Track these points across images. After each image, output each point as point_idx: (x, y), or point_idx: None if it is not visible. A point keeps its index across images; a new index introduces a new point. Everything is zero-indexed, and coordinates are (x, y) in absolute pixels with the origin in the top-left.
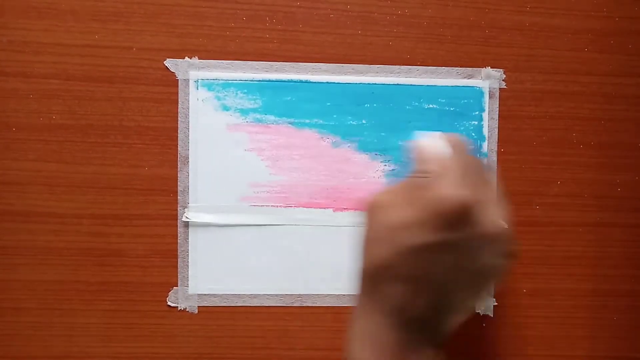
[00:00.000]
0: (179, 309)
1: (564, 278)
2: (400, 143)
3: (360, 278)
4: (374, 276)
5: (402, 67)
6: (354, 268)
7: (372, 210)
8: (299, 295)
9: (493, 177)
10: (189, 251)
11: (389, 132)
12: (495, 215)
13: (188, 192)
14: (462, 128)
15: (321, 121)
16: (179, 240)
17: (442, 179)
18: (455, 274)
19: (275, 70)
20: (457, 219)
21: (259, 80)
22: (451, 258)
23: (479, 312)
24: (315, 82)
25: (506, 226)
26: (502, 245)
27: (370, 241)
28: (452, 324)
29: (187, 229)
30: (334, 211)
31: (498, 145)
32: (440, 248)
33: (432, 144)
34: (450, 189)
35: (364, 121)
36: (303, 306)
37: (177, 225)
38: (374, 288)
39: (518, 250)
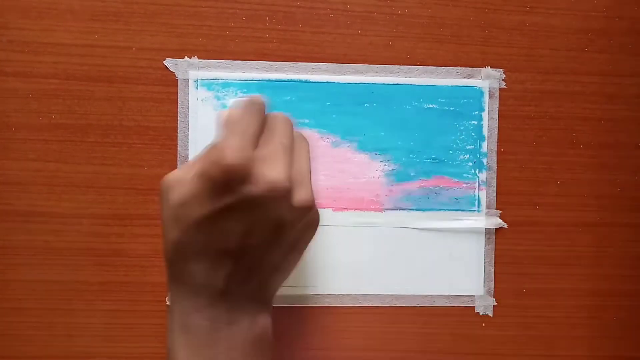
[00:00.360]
0: None
1: (564, 278)
2: (400, 143)
3: (165, 264)
4: (173, 259)
5: (402, 67)
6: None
7: (162, 191)
8: (300, 295)
9: (287, 132)
10: None
11: (389, 132)
12: (272, 171)
13: None
14: (462, 128)
15: (321, 121)
16: None
17: (217, 144)
18: (251, 236)
19: (275, 70)
20: (229, 182)
21: (259, 80)
22: (239, 222)
23: (478, 312)
24: (315, 82)
25: (284, 179)
26: (287, 198)
27: (164, 224)
28: (270, 288)
29: None
30: (334, 211)
31: (498, 145)
32: (222, 214)
33: (228, 111)
34: (219, 152)
35: (363, 121)
36: (304, 306)
37: None
38: (176, 271)
39: (307, 200)
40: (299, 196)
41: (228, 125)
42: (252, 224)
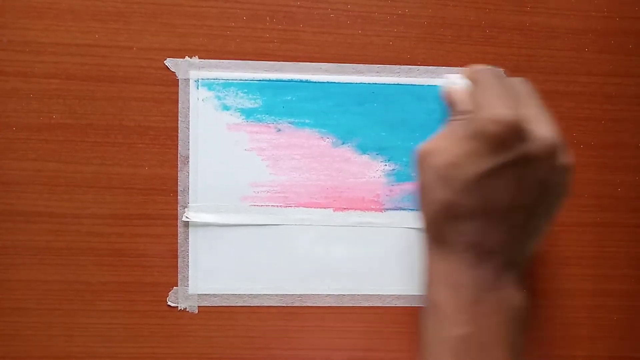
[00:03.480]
0: (179, 309)
1: (564, 278)
2: (400, 143)
3: (425, 226)
4: (439, 220)
5: (402, 67)
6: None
7: (422, 158)
8: (299, 295)
9: (533, 93)
10: (189, 251)
11: (389, 132)
12: (544, 129)
13: (188, 191)
14: None
15: (321, 121)
16: (179, 240)
17: (483, 106)
18: (521, 196)
19: (276, 70)
20: (509, 138)
21: (259, 80)
22: (512, 180)
23: None
24: (315, 82)
25: (558, 137)
26: (558, 157)
27: (426, 188)
28: (529, 252)
29: (187, 228)
30: (334, 211)
31: None
32: (498, 172)
33: (459, 86)
34: (494, 111)
35: (364, 121)
36: (303, 306)
37: (177, 225)
38: (442, 231)
39: (573, 161)
40: (567, 157)
41: (484, 88)
42: (523, 182)
